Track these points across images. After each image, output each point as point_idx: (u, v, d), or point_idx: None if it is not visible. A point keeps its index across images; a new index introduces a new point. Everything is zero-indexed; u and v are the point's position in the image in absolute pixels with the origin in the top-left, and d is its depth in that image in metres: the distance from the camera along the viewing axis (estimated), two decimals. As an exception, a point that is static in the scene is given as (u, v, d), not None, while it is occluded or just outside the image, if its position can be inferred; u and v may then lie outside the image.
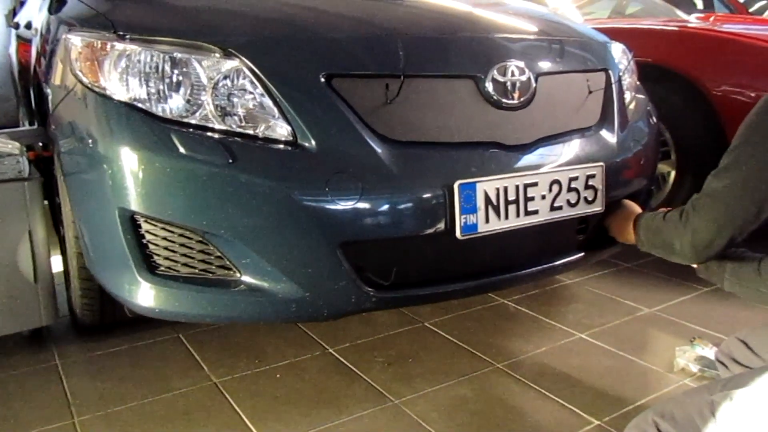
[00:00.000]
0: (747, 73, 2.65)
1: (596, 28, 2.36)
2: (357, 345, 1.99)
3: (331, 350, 1.96)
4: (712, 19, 3.74)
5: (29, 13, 2.84)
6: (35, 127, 2.29)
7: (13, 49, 3.90)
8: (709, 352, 1.78)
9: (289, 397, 1.71)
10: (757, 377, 0.98)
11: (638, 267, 2.64)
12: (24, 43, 2.98)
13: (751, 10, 5.51)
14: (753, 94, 2.55)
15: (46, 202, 2.11)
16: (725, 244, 1.26)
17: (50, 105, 1.80)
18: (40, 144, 2.24)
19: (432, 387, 1.74)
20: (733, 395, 0.96)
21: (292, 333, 2.07)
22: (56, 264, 2.05)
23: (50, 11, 2.00)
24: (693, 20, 3.53)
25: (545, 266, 1.81)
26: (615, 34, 2.49)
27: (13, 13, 3.53)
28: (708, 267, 1.36)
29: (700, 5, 5.38)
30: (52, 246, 2.00)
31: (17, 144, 1.94)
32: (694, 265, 1.40)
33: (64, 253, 2.03)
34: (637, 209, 1.74)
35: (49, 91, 1.83)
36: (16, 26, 3.39)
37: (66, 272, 2.02)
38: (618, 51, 2.11)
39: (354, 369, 1.85)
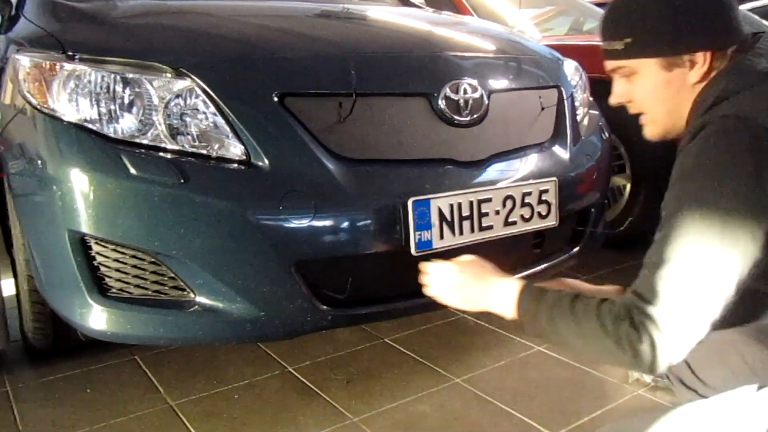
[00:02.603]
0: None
1: (554, 45, 2.40)
2: (317, 363, 1.98)
3: (290, 369, 1.95)
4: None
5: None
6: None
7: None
8: (663, 362, 1.81)
9: (246, 418, 1.69)
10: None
11: (596, 279, 2.68)
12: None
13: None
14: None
15: (-4, 224, 2.06)
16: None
17: (-1, 126, 1.77)
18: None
19: (391, 404, 1.74)
20: None
21: (251, 352, 2.05)
22: (8, 287, 2.00)
23: (0, 31, 1.97)
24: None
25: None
26: (572, 50, 2.54)
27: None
28: None
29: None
30: (3, 269, 1.96)
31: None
32: None
33: (15, 276, 1.98)
34: (501, 275, 1.17)
35: (-3, 111, 1.80)
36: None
37: (17, 295, 1.98)
38: (570, 68, 2.16)
39: (313, 387, 1.84)
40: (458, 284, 1.19)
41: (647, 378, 1.80)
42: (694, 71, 1.06)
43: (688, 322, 0.90)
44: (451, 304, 1.21)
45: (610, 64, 1.13)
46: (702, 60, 1.05)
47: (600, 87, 2.55)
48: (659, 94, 1.11)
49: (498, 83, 1.82)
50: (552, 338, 1.05)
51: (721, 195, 0.90)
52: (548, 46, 2.34)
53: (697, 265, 0.89)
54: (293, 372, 1.93)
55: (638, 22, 1.06)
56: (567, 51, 2.33)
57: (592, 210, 2.03)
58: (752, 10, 6.39)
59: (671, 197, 0.96)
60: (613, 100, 1.17)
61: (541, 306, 1.05)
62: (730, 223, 0.89)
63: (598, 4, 4.63)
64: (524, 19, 4.27)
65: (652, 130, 1.18)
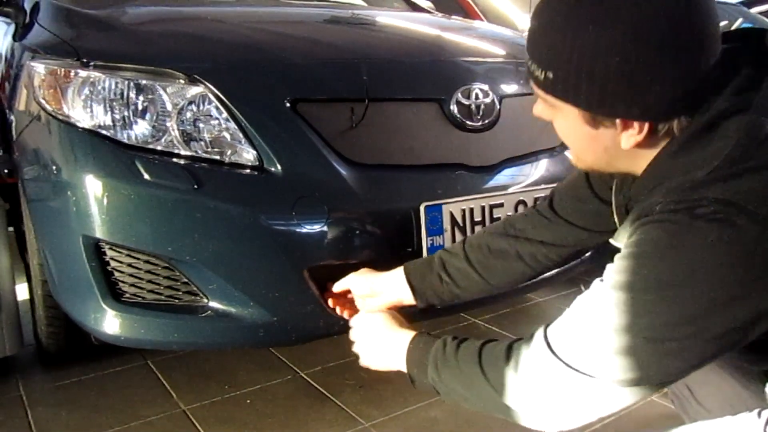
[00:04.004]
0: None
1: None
2: (328, 368, 1.99)
3: (302, 374, 1.95)
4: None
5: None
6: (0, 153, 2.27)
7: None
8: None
9: (258, 423, 1.69)
10: None
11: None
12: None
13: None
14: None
15: (11, 229, 2.08)
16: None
17: (14, 132, 1.78)
18: (5, 170, 2.21)
19: (403, 409, 1.74)
20: None
21: (263, 357, 2.05)
22: (22, 292, 2.01)
23: (14, 38, 1.98)
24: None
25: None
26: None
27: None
28: None
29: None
30: (17, 273, 1.97)
31: (-19, 171, 1.92)
32: None
33: (29, 280, 2.00)
34: (402, 327, 1.08)
35: (12, 117, 1.82)
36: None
37: (31, 300, 1.99)
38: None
39: (325, 392, 1.84)
40: (359, 345, 1.11)
41: (660, 383, 1.79)
42: (626, 137, 0.81)
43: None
44: (366, 364, 1.10)
45: (531, 84, 0.87)
46: (637, 128, 0.79)
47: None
48: (583, 144, 0.88)
49: (509, 88, 1.82)
50: (441, 391, 0.93)
51: (700, 299, 0.73)
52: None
53: (627, 358, 0.76)
54: (305, 377, 1.93)
55: (560, 60, 0.78)
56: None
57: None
58: (762, 13, 6.36)
59: (640, 263, 0.78)
60: (536, 113, 0.92)
61: (427, 354, 0.94)
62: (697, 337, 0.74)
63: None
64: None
65: (577, 163, 0.95)
